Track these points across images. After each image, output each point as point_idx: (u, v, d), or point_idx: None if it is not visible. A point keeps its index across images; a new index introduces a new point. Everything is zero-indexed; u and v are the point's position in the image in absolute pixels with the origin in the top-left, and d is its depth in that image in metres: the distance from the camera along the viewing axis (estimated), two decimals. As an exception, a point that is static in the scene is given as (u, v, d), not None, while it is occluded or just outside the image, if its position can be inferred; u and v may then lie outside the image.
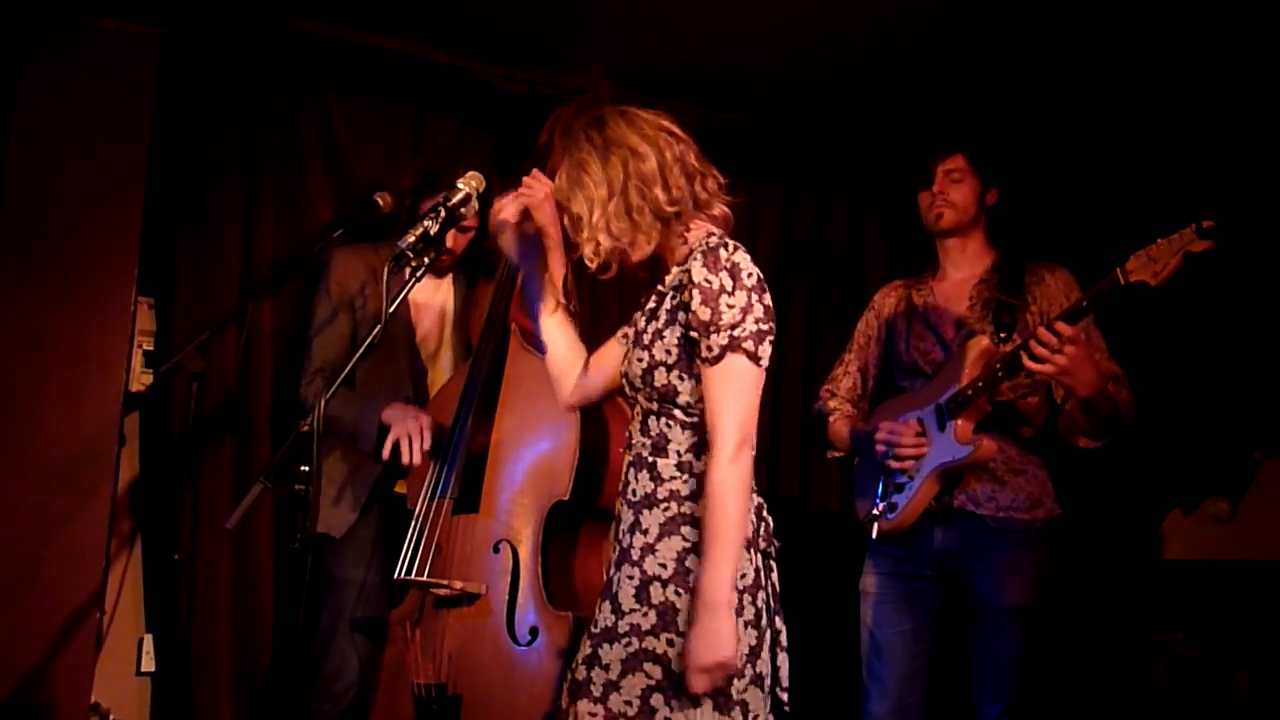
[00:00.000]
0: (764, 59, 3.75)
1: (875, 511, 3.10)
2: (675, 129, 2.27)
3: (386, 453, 2.97)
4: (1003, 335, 3.07)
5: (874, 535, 3.09)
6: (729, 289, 2.15)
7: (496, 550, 2.85)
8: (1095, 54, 3.56)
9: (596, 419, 2.84)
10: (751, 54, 3.71)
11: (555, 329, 2.50)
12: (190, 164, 3.53)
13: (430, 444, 2.98)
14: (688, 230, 2.26)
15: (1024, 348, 2.88)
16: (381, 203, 3.34)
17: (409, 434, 2.97)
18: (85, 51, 3.16)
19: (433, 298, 3.36)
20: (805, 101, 4.06)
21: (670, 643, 2.13)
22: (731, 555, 2.10)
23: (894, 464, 3.08)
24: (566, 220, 2.30)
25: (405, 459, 2.97)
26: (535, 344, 2.87)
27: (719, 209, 2.28)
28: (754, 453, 2.17)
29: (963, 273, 3.28)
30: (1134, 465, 3.95)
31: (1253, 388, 3.92)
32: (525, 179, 2.51)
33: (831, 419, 3.36)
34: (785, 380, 4.28)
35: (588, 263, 2.26)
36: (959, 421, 3.02)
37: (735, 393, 2.14)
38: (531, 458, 2.89)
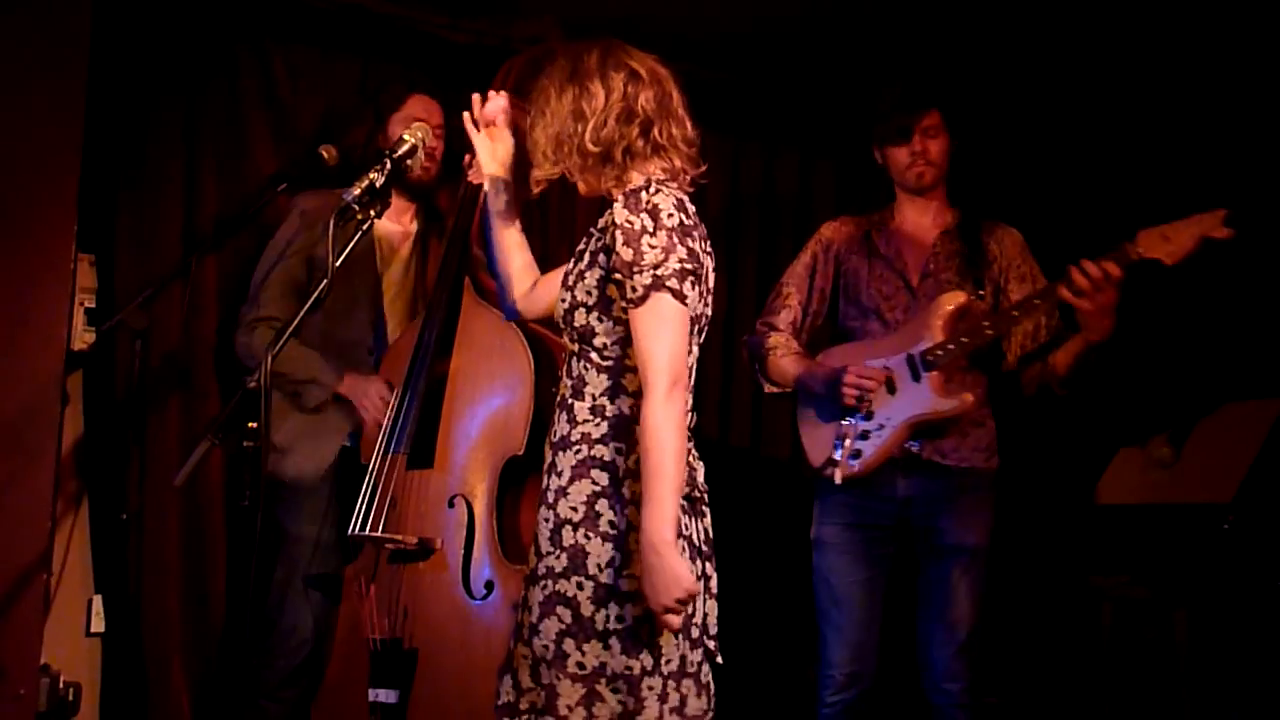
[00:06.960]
0: (714, 7, 3.71)
1: (836, 457, 3.05)
2: (644, 73, 2.25)
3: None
4: (981, 293, 3.08)
5: (838, 481, 3.03)
6: (650, 229, 2.14)
7: (451, 505, 2.84)
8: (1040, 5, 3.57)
9: (552, 372, 2.83)
10: (701, 2, 3.68)
11: (512, 239, 2.48)
12: (130, 117, 3.44)
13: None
14: (626, 176, 2.24)
15: (1064, 281, 2.88)
16: (326, 155, 3.30)
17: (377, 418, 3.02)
18: (15, 3, 3.07)
19: (406, 231, 3.32)
20: (756, 51, 4.03)
21: (580, 585, 2.13)
22: (673, 492, 2.08)
23: (864, 408, 3.04)
24: (530, 140, 2.31)
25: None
26: (489, 298, 2.86)
27: (669, 162, 2.24)
28: (688, 392, 2.17)
29: (926, 220, 3.26)
30: (1078, 411, 4.01)
31: (1199, 336, 3.98)
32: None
33: (775, 354, 3.26)
34: (737, 330, 4.27)
35: (532, 185, 2.31)
36: (937, 375, 3.03)
37: (663, 332, 2.13)
38: (486, 413, 2.87)
